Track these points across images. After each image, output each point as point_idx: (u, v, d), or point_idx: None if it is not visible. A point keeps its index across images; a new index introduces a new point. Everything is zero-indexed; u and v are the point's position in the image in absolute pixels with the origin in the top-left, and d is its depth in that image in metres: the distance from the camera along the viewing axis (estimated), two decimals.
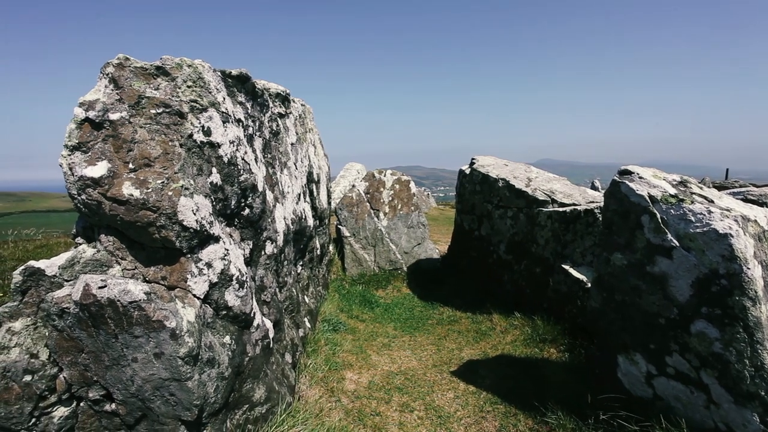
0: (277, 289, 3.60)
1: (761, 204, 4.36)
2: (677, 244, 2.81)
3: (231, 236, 2.77)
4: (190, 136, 2.34)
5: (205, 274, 2.39)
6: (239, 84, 3.12)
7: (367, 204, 8.11)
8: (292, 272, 4.25)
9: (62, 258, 2.18)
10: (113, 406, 2.24)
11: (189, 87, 2.40)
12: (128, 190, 2.09)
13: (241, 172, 2.76)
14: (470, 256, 7.25)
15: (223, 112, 2.59)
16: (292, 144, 4.58)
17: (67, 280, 2.15)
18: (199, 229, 2.29)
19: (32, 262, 2.13)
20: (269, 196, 3.41)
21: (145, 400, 2.19)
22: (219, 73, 2.83)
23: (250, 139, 3.21)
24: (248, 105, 3.28)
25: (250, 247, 3.02)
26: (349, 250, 7.88)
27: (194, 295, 2.32)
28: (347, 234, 7.93)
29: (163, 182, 2.16)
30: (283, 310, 3.67)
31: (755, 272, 2.54)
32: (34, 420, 2.07)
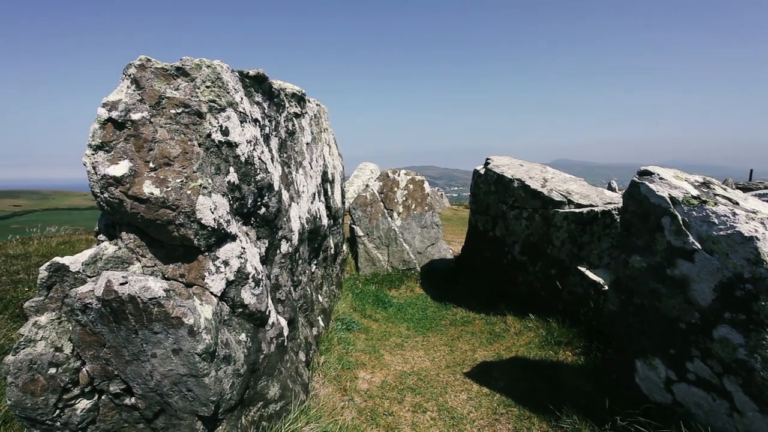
0: (292, 288, 3.63)
1: None
2: (699, 246, 2.74)
3: (247, 235, 2.81)
4: (209, 135, 2.38)
5: (222, 272, 2.42)
6: (256, 84, 3.16)
7: (381, 204, 8.12)
8: (307, 271, 4.28)
9: (85, 255, 2.24)
10: (133, 400, 2.29)
11: (208, 87, 2.43)
12: (148, 188, 2.13)
13: (258, 172, 2.79)
14: (484, 257, 7.19)
15: (240, 112, 2.63)
16: (307, 144, 4.62)
17: (89, 276, 2.20)
18: (216, 227, 2.33)
19: (57, 259, 2.20)
20: (285, 195, 3.44)
21: (163, 395, 2.23)
22: (237, 74, 2.86)
23: (267, 138, 3.24)
24: (265, 105, 3.31)
25: (266, 245, 3.05)
26: (362, 250, 7.90)
27: (211, 293, 2.36)
28: (361, 233, 7.95)
29: (182, 181, 2.20)
30: (297, 308, 3.70)
31: None
32: (58, 411, 2.13)
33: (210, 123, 2.39)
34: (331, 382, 3.95)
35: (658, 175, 3.15)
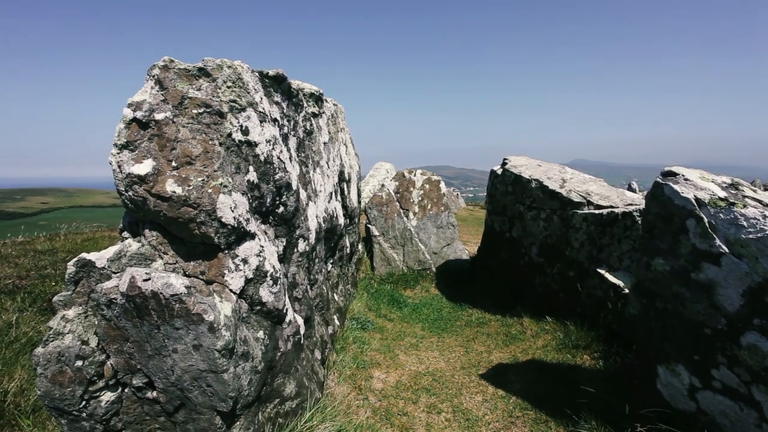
0: (308, 287, 3.66)
1: None
2: (727, 250, 2.65)
3: (266, 233, 2.84)
4: (229, 135, 2.42)
5: (241, 270, 2.46)
6: (275, 84, 3.19)
7: (397, 203, 8.11)
8: (323, 270, 4.31)
9: (110, 251, 2.30)
10: (154, 393, 2.35)
11: (229, 87, 2.47)
12: (171, 187, 2.17)
13: (277, 171, 2.83)
14: (500, 258, 7.12)
15: (260, 111, 2.66)
16: (324, 143, 4.64)
17: (114, 272, 2.26)
18: (236, 225, 2.36)
19: (84, 255, 2.26)
20: (302, 194, 3.47)
21: (183, 390, 2.28)
22: (257, 74, 2.90)
23: (285, 138, 3.28)
24: (284, 105, 3.35)
25: (284, 244, 3.08)
26: (378, 249, 7.92)
27: (231, 290, 2.40)
28: (376, 233, 7.96)
29: (203, 180, 2.24)
30: (313, 307, 3.73)
31: None
32: (84, 403, 2.20)
33: (231, 123, 2.43)
34: (346, 380, 3.97)
35: (683, 176, 3.07)
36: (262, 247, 2.63)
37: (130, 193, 2.18)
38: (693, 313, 2.88)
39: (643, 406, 3.19)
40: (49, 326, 2.20)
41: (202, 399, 2.29)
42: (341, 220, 5.22)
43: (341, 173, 5.55)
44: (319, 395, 3.36)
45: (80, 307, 2.27)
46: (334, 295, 4.99)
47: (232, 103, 2.46)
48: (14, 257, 6.27)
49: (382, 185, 8.48)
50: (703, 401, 2.90)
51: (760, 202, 2.73)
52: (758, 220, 2.52)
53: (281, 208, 2.97)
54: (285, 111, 3.36)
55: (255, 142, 2.57)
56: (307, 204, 3.66)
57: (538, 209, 6.13)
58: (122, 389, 2.35)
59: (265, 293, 2.62)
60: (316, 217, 3.95)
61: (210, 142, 2.34)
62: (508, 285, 6.70)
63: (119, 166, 2.17)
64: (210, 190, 2.24)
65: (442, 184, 8.49)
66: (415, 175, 8.39)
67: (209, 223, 2.24)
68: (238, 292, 2.45)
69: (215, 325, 2.17)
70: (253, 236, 2.57)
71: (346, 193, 5.82)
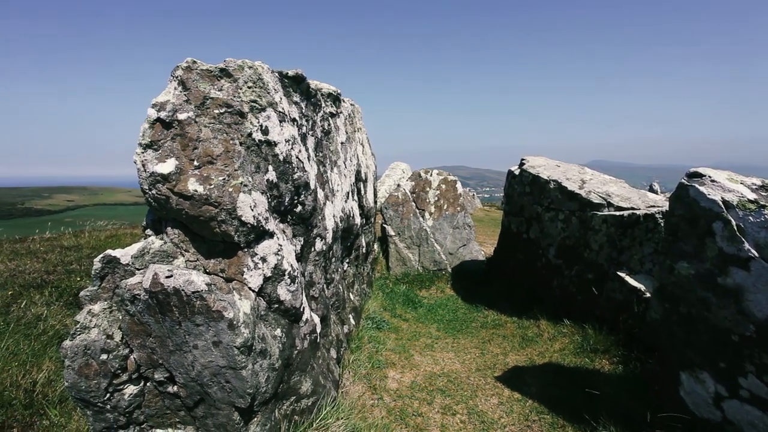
0: (325, 286, 3.69)
1: None
2: (756, 254, 2.56)
3: (284, 232, 2.87)
4: (250, 134, 2.45)
5: (260, 268, 2.49)
6: (295, 84, 3.22)
7: (413, 203, 8.09)
8: (339, 269, 4.34)
9: (134, 248, 2.36)
10: (175, 388, 2.40)
11: (249, 88, 2.51)
12: (193, 186, 2.22)
13: (295, 170, 2.85)
14: (517, 259, 7.03)
15: (279, 111, 2.69)
16: (341, 143, 4.67)
17: (138, 269, 2.32)
18: (255, 224, 2.40)
19: (109, 251, 2.33)
20: (320, 194, 3.49)
21: (203, 385, 2.32)
22: (276, 74, 2.93)
23: (304, 137, 3.31)
24: (302, 105, 3.38)
25: (301, 243, 3.11)
26: (393, 249, 7.91)
27: (250, 288, 2.43)
28: (392, 233, 7.96)
29: (224, 179, 2.28)
30: (329, 306, 3.75)
31: None
32: (108, 395, 2.26)
33: (251, 122, 2.46)
34: (361, 380, 3.98)
35: (709, 177, 2.97)
36: (281, 245, 2.66)
37: (154, 191, 2.23)
38: (719, 319, 2.79)
39: (665, 413, 3.11)
40: (76, 320, 2.27)
41: (220, 395, 2.33)
42: (358, 220, 5.24)
43: (358, 173, 5.57)
44: (334, 394, 3.38)
45: (105, 302, 2.33)
46: (350, 294, 5.01)
47: (252, 103, 2.49)
48: (42, 253, 6.50)
49: (398, 185, 8.47)
50: (730, 410, 2.81)
51: None
52: None
53: (299, 208, 3.00)
54: (303, 111, 3.39)
55: (274, 141, 2.60)
56: (325, 203, 3.68)
57: (556, 210, 6.03)
58: (144, 383, 2.41)
59: (283, 291, 2.65)
60: (333, 216, 3.97)
61: (231, 142, 2.38)
62: (525, 287, 6.61)
63: (143, 165, 2.22)
64: (230, 189, 2.27)
65: (459, 185, 8.43)
66: (431, 175, 8.36)
67: (229, 221, 2.28)
68: (256, 290, 2.48)
69: (235, 323, 2.20)
70: (271, 235, 2.60)
71: (362, 192, 5.84)
